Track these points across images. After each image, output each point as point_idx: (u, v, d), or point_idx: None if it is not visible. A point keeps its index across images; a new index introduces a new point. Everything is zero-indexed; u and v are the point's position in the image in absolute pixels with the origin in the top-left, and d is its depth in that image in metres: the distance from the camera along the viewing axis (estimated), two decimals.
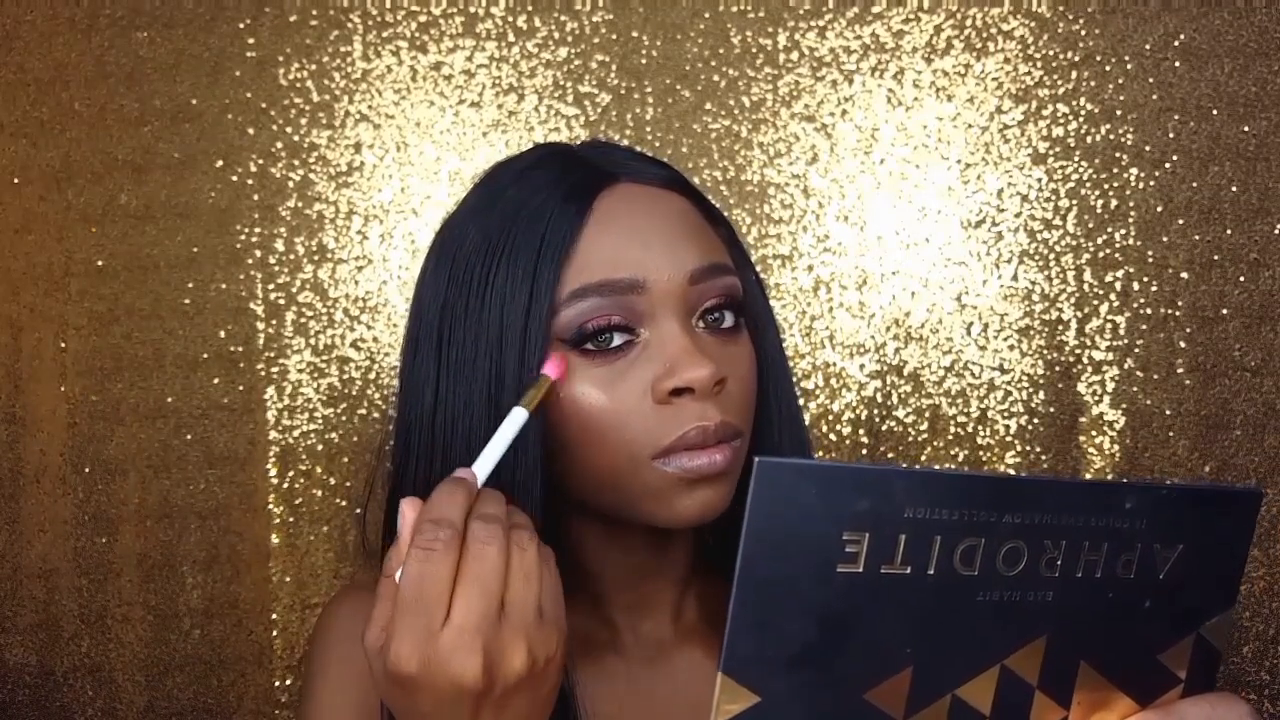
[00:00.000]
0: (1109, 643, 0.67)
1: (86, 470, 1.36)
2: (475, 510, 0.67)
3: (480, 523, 0.65)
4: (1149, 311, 1.35)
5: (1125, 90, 1.35)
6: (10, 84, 1.36)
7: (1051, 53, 1.35)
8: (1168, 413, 1.35)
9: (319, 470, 1.36)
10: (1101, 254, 1.35)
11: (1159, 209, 1.35)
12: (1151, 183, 1.34)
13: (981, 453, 1.36)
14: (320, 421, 1.36)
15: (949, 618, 0.61)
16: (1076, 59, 1.35)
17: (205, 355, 1.36)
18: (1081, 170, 1.35)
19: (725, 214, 0.95)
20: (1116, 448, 1.35)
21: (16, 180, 1.36)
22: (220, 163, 1.36)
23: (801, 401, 1.33)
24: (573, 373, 0.79)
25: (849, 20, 1.35)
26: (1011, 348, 1.35)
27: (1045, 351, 1.35)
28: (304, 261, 1.36)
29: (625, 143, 1.33)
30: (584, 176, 0.84)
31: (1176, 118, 1.34)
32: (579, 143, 0.94)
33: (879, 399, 1.36)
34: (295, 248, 1.36)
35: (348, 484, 1.36)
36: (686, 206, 0.86)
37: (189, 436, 1.36)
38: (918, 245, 1.36)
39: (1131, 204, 1.35)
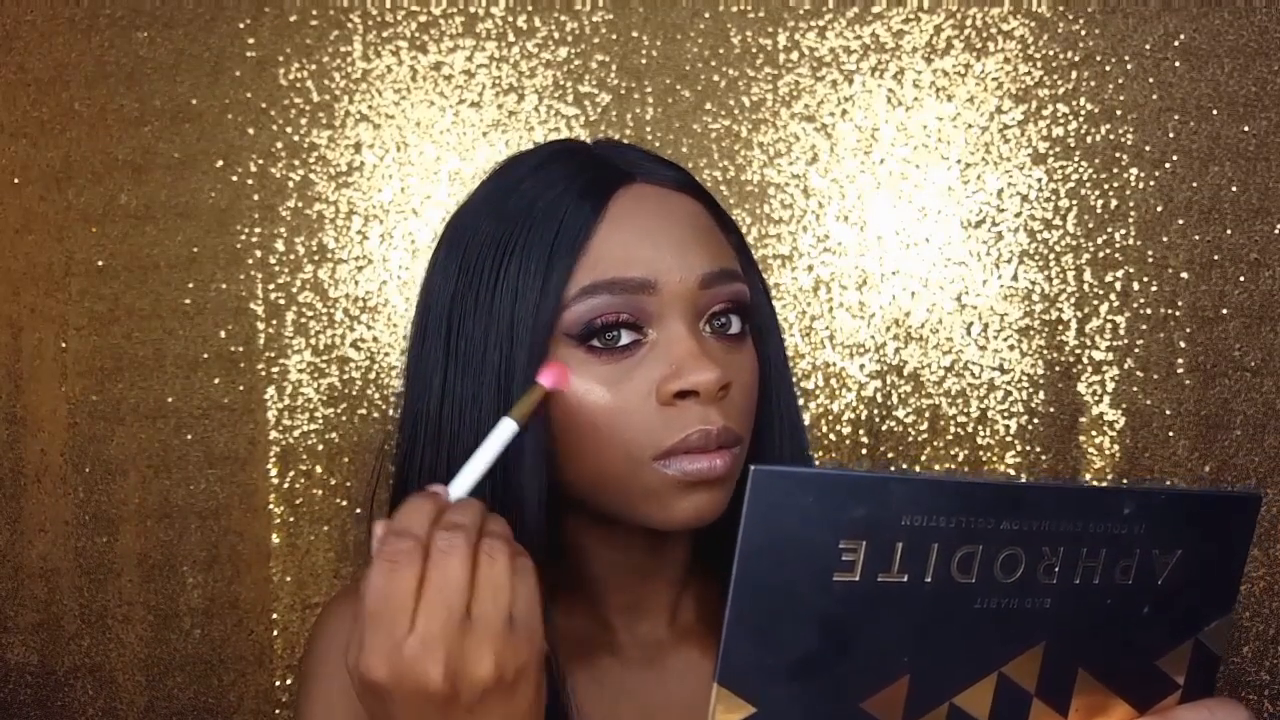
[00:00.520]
0: (1107, 649, 0.67)
1: (87, 470, 1.37)
2: (442, 520, 0.67)
3: (443, 533, 0.65)
4: (1149, 311, 1.35)
5: (1125, 90, 1.34)
6: (10, 84, 1.36)
7: (1051, 53, 1.35)
8: (1168, 413, 1.35)
9: (319, 470, 1.36)
10: (1101, 254, 1.35)
11: (1159, 209, 1.34)
12: (1151, 183, 1.34)
13: (981, 453, 1.36)
14: (320, 421, 1.36)
15: (946, 626, 0.61)
16: (1076, 59, 1.34)
17: (205, 355, 1.36)
18: (1081, 170, 1.35)
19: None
20: (1116, 448, 1.35)
21: (16, 180, 1.36)
22: (220, 163, 1.36)
23: (801, 402, 1.33)
24: (577, 369, 0.79)
25: (849, 20, 1.35)
26: (1011, 348, 1.35)
27: (1045, 351, 1.35)
28: (304, 261, 1.36)
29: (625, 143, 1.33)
30: (600, 174, 0.84)
31: (1176, 118, 1.34)
32: (593, 141, 0.94)
33: (879, 399, 1.36)
34: (295, 248, 1.36)
35: (348, 484, 1.36)
36: (699, 210, 0.86)
37: (189, 436, 1.36)
38: (918, 245, 1.36)
39: (1131, 204, 1.35)
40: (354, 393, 1.36)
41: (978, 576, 0.60)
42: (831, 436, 1.36)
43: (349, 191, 1.36)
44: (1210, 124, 1.34)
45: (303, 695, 0.93)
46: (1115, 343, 1.35)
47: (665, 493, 0.79)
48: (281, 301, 1.36)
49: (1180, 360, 1.35)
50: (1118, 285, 1.35)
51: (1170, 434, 1.35)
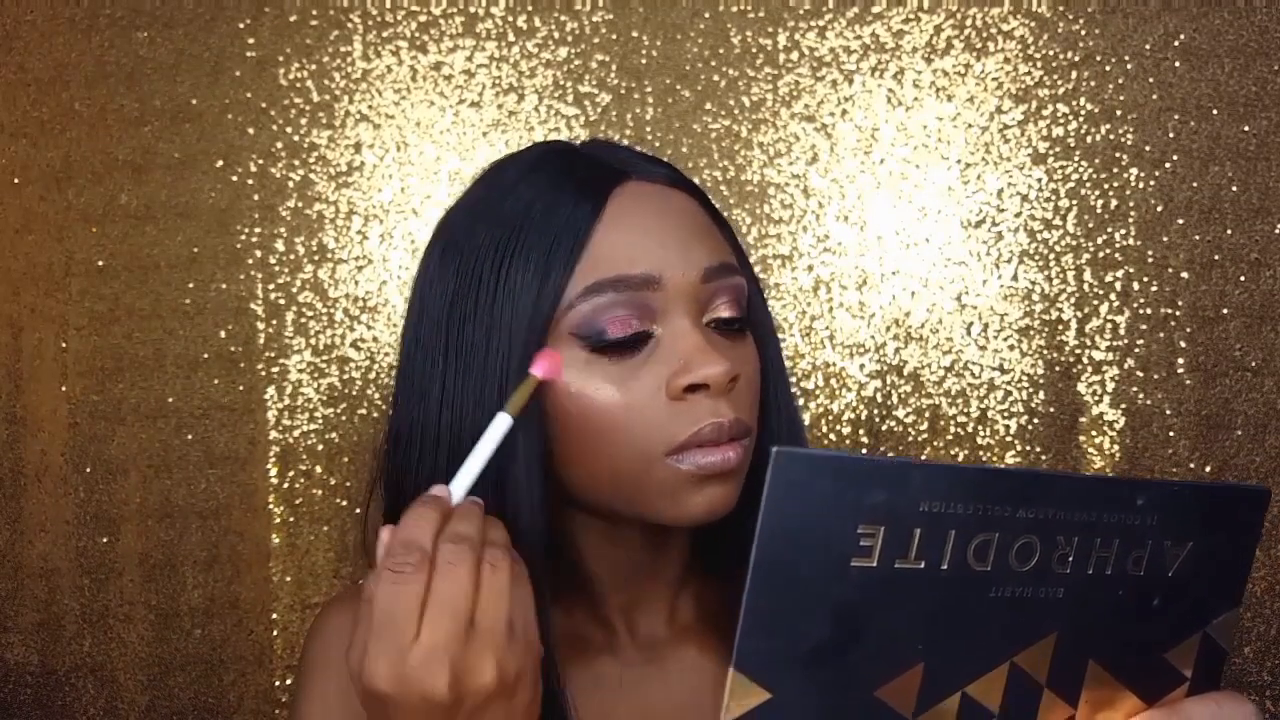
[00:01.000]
0: (1117, 641, 0.67)
1: (88, 470, 1.36)
2: (446, 530, 0.67)
3: (450, 544, 0.66)
4: (1149, 311, 1.35)
5: (1125, 90, 1.35)
6: (10, 84, 1.36)
7: (1051, 53, 1.35)
8: (1168, 413, 1.35)
9: (319, 470, 1.36)
10: (1101, 254, 1.35)
11: (1159, 209, 1.35)
12: (1151, 183, 1.35)
13: (982, 453, 1.36)
14: (320, 421, 1.36)
15: (961, 614, 0.61)
16: (1076, 59, 1.35)
17: (206, 355, 1.36)
18: (1081, 170, 1.35)
19: (725, 214, 0.95)
20: (1116, 448, 1.36)
21: (16, 180, 1.36)
22: (220, 163, 1.35)
23: (801, 401, 1.34)
24: (584, 369, 0.79)
25: (849, 20, 1.35)
26: (1011, 348, 1.36)
27: (1045, 351, 1.36)
28: (304, 261, 1.35)
29: (625, 143, 1.33)
30: (595, 174, 0.84)
31: (1176, 118, 1.35)
32: (580, 142, 0.93)
33: (879, 399, 1.36)
34: (295, 248, 1.35)
35: (348, 484, 1.36)
36: (695, 206, 0.86)
37: (190, 436, 1.36)
38: (918, 245, 1.36)
39: (1131, 204, 1.35)
40: (354, 393, 1.36)
41: (993, 564, 0.60)
42: (831, 436, 1.36)
43: (349, 191, 1.36)
44: (1210, 124, 1.34)
45: (299, 694, 0.93)
46: (1115, 343, 1.35)
47: (679, 488, 0.79)
48: (281, 301, 1.35)
49: (1181, 360, 1.35)
50: (1118, 285, 1.35)
51: (1171, 434, 1.36)
